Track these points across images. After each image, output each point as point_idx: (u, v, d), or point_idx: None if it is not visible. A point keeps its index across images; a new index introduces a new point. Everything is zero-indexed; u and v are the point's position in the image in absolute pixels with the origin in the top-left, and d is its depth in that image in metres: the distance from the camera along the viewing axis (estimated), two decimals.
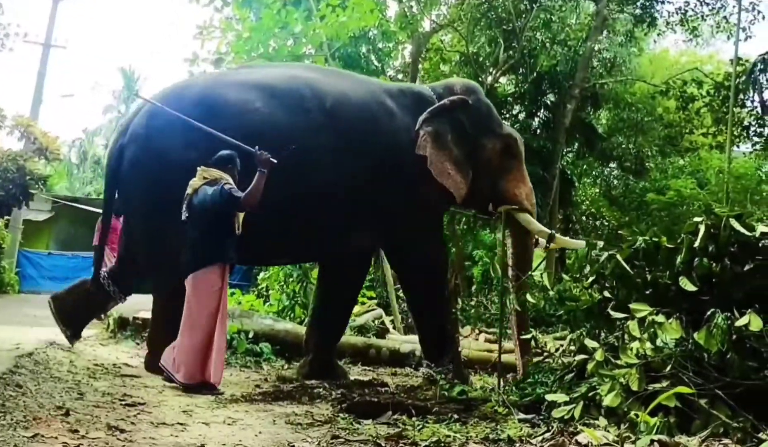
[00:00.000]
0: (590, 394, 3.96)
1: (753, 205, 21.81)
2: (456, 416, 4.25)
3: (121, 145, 5.63)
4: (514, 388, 5.03)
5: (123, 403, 4.19)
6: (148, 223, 5.47)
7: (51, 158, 13.36)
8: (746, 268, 4.09)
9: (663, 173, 24.71)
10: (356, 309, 10.63)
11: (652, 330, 3.65)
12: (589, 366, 3.84)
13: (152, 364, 5.40)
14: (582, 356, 4.65)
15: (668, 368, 3.58)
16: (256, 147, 4.87)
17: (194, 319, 4.89)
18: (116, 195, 5.77)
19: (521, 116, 23.65)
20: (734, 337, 3.70)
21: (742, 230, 4.03)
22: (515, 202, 6.19)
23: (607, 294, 4.41)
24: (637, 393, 3.59)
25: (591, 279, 4.52)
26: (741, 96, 23.23)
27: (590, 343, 4.08)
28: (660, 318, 3.63)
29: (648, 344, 3.66)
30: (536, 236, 6.11)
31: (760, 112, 23.74)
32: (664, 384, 3.56)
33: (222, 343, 5.00)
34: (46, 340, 6.23)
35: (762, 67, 22.50)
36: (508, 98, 23.99)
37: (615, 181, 26.78)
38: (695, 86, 23.63)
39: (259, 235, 5.27)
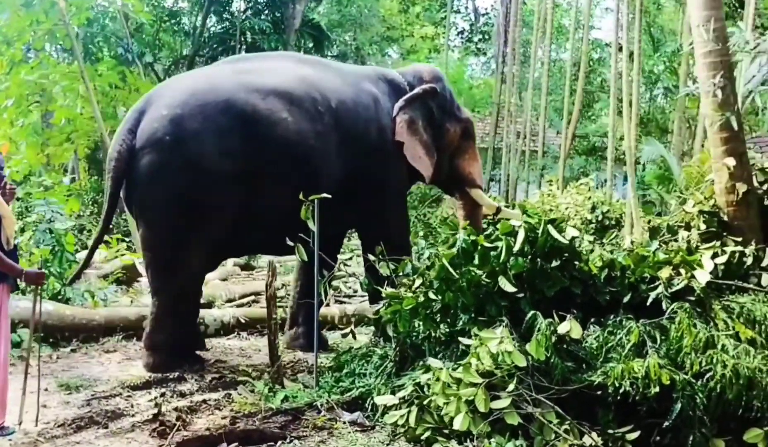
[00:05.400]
0: (424, 401, 4.05)
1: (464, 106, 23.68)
2: (290, 437, 4.11)
3: (131, 148, 5.34)
4: (332, 381, 4.97)
5: None
6: (171, 230, 5.38)
7: None
8: (554, 264, 4.40)
9: None
10: (103, 255, 9.87)
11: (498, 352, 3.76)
12: (435, 387, 3.89)
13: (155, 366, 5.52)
14: (398, 347, 4.83)
15: (512, 387, 3.74)
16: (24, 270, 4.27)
17: None
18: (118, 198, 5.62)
19: (248, 13, 22.81)
20: (554, 339, 4.00)
21: (557, 236, 4.27)
22: (469, 180, 6.92)
23: (431, 295, 4.47)
24: (482, 412, 3.72)
25: (419, 282, 4.54)
26: (457, 2, 24.79)
27: (434, 362, 4.12)
28: (509, 346, 3.75)
29: (490, 362, 3.79)
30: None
31: (473, 18, 25.65)
32: (506, 401, 3.74)
33: (4, 377, 4.23)
34: None
35: None
36: None
37: None
38: None
39: (279, 231, 5.29)
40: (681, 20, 19.39)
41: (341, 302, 8.68)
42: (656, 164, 15.79)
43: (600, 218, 12.40)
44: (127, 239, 11.26)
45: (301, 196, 4.91)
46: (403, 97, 6.35)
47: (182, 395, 5.03)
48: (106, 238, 10.65)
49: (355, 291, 9.38)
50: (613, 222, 12.53)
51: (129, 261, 9.43)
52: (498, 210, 6.60)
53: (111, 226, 13.37)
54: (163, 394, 5.01)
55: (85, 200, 15.01)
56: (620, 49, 13.09)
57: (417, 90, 6.43)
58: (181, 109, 5.35)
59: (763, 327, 4.04)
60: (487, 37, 24.16)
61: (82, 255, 9.06)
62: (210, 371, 5.71)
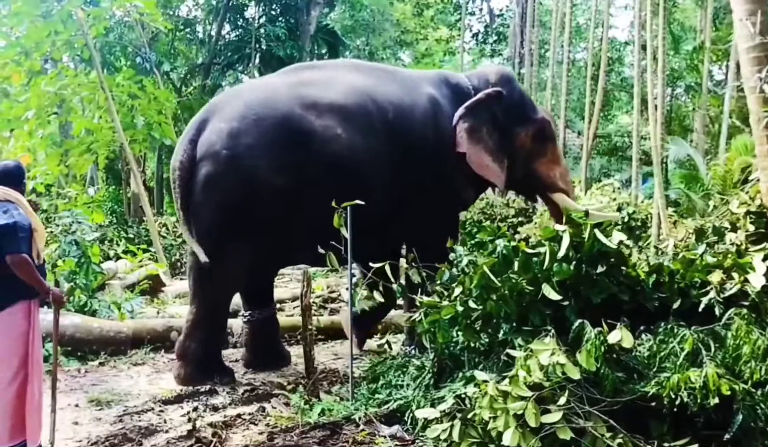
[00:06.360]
0: (468, 414, 3.90)
1: None
2: None
3: (192, 158, 5.43)
4: (367, 393, 4.83)
5: None
6: (218, 239, 5.38)
7: None
8: (599, 270, 4.24)
9: None
10: (129, 265, 9.80)
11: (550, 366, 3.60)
12: (483, 401, 3.73)
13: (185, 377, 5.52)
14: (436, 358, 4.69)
15: (563, 400, 3.58)
16: (50, 288, 4.15)
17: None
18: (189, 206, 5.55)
19: (262, 21, 22.76)
20: (603, 349, 3.83)
21: (605, 240, 4.12)
22: (549, 184, 6.54)
23: (472, 304, 4.31)
24: (532, 427, 3.57)
25: (458, 291, 4.39)
26: (471, 4, 24.66)
27: (479, 375, 3.97)
28: (562, 358, 3.59)
29: (540, 374, 3.64)
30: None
31: (488, 20, 25.50)
32: (558, 415, 3.58)
33: (39, 395, 4.13)
34: None
35: None
36: (247, 2, 22.92)
37: None
38: None
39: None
40: (699, 17, 19.17)
41: None
42: (678, 164, 15.57)
43: (626, 220, 12.15)
44: (152, 249, 11.19)
45: (333, 204, 4.79)
46: (464, 104, 6.07)
47: (215, 409, 4.93)
48: (130, 247, 10.67)
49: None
50: (639, 223, 12.30)
51: (154, 271, 9.36)
52: (586, 213, 5.96)
53: (133, 237, 13.43)
54: (195, 409, 4.92)
55: (104, 210, 14.99)
56: (643, 47, 12.90)
57: (479, 96, 6.13)
58: (238, 123, 5.41)
59: None
60: (502, 38, 24.02)
61: (107, 266, 9.04)
62: (241, 383, 5.60)
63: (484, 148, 6.05)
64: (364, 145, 5.60)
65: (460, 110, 6.02)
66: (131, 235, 13.59)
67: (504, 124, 6.27)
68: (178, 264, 12.15)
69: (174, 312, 7.86)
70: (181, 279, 11.14)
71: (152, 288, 9.35)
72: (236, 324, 6.95)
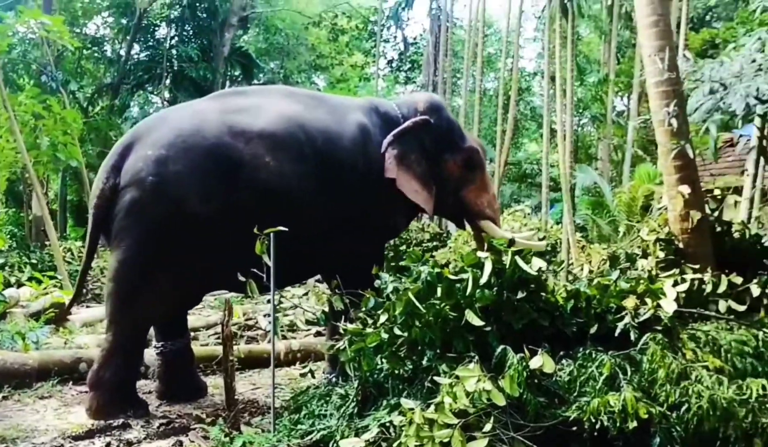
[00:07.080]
0: (393, 444, 3.88)
1: None
2: None
3: (115, 186, 5.29)
4: (290, 424, 4.73)
5: None
6: (140, 265, 5.26)
7: None
8: (519, 296, 4.32)
9: None
10: (32, 292, 9.37)
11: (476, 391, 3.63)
12: (409, 430, 3.72)
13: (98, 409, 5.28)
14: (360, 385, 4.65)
15: (489, 426, 3.61)
16: None
17: None
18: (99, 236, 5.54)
19: (174, 41, 22.37)
20: (526, 375, 3.90)
21: (525, 267, 4.21)
22: (476, 211, 6.53)
23: (397, 330, 4.31)
24: None
25: (384, 318, 4.38)
26: (386, 32, 25.00)
27: (406, 402, 3.95)
28: (488, 385, 3.62)
29: (466, 401, 3.66)
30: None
31: (402, 48, 25.88)
32: (483, 442, 3.60)
33: None
34: None
35: (404, 4, 24.31)
36: (159, 22, 22.53)
37: None
38: (346, 19, 24.72)
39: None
40: (603, 50, 20.05)
41: (284, 337, 8.43)
42: (585, 190, 16.15)
43: None
44: (58, 276, 10.71)
45: (255, 230, 4.71)
46: (392, 132, 6.04)
47: (129, 444, 4.73)
48: (35, 274, 10.19)
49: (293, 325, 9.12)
50: (549, 248, 12.66)
51: (60, 299, 8.94)
52: (511, 242, 5.46)
53: (36, 262, 12.83)
54: (108, 444, 4.71)
55: (4, 234, 14.29)
56: (552, 78, 13.36)
57: (407, 124, 6.11)
58: (166, 150, 5.28)
59: (729, 355, 4.06)
60: (416, 65, 24.46)
61: (9, 293, 8.59)
62: (156, 416, 5.40)
63: (413, 175, 6.07)
64: (293, 173, 5.54)
65: (389, 137, 6.00)
66: (34, 261, 13.00)
67: (432, 152, 6.29)
68: (85, 291, 11.66)
69: (82, 342, 7.51)
70: (87, 306, 10.74)
71: (58, 316, 8.92)
72: (148, 354, 6.69)
